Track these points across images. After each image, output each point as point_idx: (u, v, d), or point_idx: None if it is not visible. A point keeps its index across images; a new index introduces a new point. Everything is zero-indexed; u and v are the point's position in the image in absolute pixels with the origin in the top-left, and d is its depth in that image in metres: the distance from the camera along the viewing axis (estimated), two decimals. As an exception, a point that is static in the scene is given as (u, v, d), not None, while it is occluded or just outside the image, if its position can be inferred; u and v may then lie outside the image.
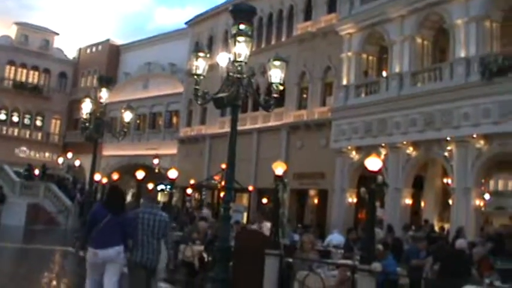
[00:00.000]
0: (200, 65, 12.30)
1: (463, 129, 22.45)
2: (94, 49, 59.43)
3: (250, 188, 34.04)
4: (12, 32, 57.72)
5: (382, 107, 25.85)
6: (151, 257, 9.11)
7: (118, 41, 59.51)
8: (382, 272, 10.04)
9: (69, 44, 70.82)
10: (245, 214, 31.55)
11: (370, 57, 29.32)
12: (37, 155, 55.92)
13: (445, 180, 26.04)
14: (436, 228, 23.78)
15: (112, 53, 57.61)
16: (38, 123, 58.54)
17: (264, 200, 34.13)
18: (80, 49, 61.25)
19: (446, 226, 24.24)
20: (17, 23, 58.29)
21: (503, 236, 19.92)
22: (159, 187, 41.68)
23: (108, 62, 56.46)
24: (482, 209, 23.97)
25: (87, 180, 32.10)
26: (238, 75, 11.99)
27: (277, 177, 13.01)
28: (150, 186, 29.97)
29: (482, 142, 22.16)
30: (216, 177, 33.22)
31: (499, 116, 21.10)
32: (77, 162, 48.91)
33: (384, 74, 27.93)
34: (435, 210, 26.61)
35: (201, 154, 41.27)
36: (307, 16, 34.50)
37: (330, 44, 31.20)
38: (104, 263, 8.86)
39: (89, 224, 9.18)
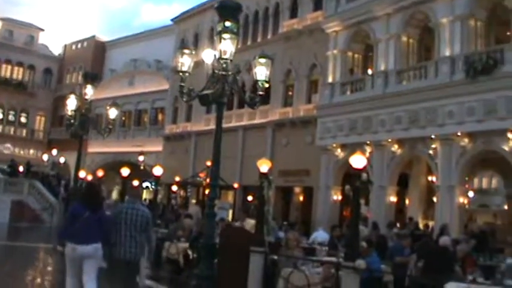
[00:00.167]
0: (185, 62, 12.30)
1: (447, 127, 22.58)
2: (79, 45, 59.16)
3: (236, 185, 34.05)
4: (-4, 27, 57.29)
5: (368, 104, 25.92)
6: (134, 250, 9.14)
7: (104, 37, 59.31)
8: (366, 269, 10.08)
9: (55, 40, 70.49)
10: (230, 211, 31.52)
11: (356, 55, 29.39)
12: (21, 152, 55.49)
13: (429, 178, 26.19)
14: (421, 226, 23.93)
15: (97, 50, 57.37)
16: (23, 119, 58.12)
17: (249, 198, 34.13)
18: (65, 45, 60.92)
19: (431, 223, 24.41)
20: (1, 19, 57.77)
21: (486, 234, 20.11)
22: (144, 184, 41.81)
23: (94, 59, 56.21)
24: (466, 206, 24.14)
25: (72, 177, 32.05)
26: (224, 73, 12.00)
27: (262, 174, 13.02)
28: (135, 183, 29.97)
29: (466, 140, 22.29)
30: (201, 175, 33.17)
31: (483, 114, 21.23)
32: (62, 159, 48.69)
33: (370, 72, 27.99)
34: (420, 208, 26.74)
35: (186, 151, 41.20)
36: (293, 13, 34.49)
37: (315, 41, 31.23)
38: (82, 258, 8.96)
39: (68, 221, 9.37)
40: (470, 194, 25.46)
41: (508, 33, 22.72)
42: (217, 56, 12.16)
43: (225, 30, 11.85)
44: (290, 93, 33.88)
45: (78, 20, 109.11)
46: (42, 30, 60.42)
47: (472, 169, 24.18)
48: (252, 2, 36.90)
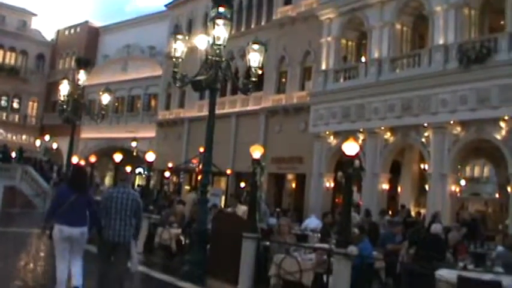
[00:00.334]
0: (179, 48, 12.28)
1: (440, 115, 22.62)
2: (72, 31, 58.83)
3: (228, 171, 34.07)
4: (-12, 12, 56.95)
5: (361, 92, 25.92)
6: (123, 233, 9.20)
7: (97, 23, 59.00)
8: (358, 256, 10.13)
9: (47, 26, 70.20)
10: (223, 198, 31.57)
11: (350, 43, 29.38)
12: (14, 138, 55.33)
13: (422, 166, 26.25)
14: (413, 213, 24.00)
15: (91, 35, 57.09)
16: (15, 105, 57.94)
17: (242, 184, 34.19)
18: (58, 31, 60.59)
19: (423, 211, 24.48)
20: (-7, 3, 57.50)
21: (477, 221, 20.25)
22: (137, 170, 41.80)
23: (87, 44, 55.93)
24: (458, 194, 24.23)
25: (64, 163, 32.01)
26: (217, 58, 12.00)
27: (255, 160, 13.03)
28: (128, 169, 29.94)
29: (459, 128, 22.35)
30: (194, 161, 33.21)
31: (476, 103, 21.29)
32: (55, 145, 48.62)
33: (363, 59, 27.99)
34: (412, 196, 26.82)
35: (179, 137, 41.16)
36: (287, 0, 34.36)
37: (309, 28, 31.14)
38: (70, 240, 9.07)
39: (55, 203, 9.44)
40: (462, 182, 25.54)
41: (502, 22, 22.69)
42: (210, 42, 12.15)
43: (219, 16, 11.84)
44: (283, 80, 33.83)
45: (71, 5, 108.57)
46: (35, 15, 60.15)
47: (464, 157, 24.26)
48: (246, -12, 36.80)
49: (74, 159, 25.82)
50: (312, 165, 28.88)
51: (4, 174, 35.38)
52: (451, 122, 22.37)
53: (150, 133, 44.62)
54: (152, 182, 36.02)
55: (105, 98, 19.98)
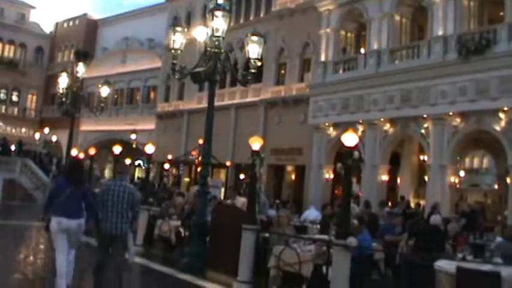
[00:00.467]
0: (178, 40, 12.27)
1: (439, 106, 22.62)
2: (71, 23, 58.63)
3: (228, 163, 34.07)
4: (-13, 5, 56.80)
5: (360, 83, 25.91)
6: (120, 226, 9.22)
7: (96, 15, 58.84)
8: (357, 247, 10.13)
9: (46, 18, 70.02)
10: (223, 189, 31.59)
11: (349, 34, 29.36)
12: (13, 131, 55.21)
13: (421, 157, 26.28)
14: (412, 205, 24.04)
15: (89, 28, 56.91)
16: (14, 98, 57.81)
17: (242, 176, 34.21)
18: (57, 23, 60.41)
19: (422, 202, 24.53)
20: (-8, -4, 57.34)
21: (476, 212, 20.29)
22: (137, 162, 41.80)
23: (86, 37, 55.78)
24: (457, 186, 24.32)
25: (64, 156, 31.98)
26: (216, 50, 11.99)
27: (254, 152, 13.02)
28: (128, 161, 29.94)
29: (458, 120, 22.36)
30: (194, 153, 33.22)
31: (475, 94, 21.29)
32: (54, 138, 48.56)
33: (362, 51, 27.97)
34: (411, 187, 26.86)
35: (178, 129, 41.13)
36: (287, -8, 34.29)
37: (308, 20, 31.08)
38: (68, 231, 9.14)
39: (52, 196, 9.52)
40: (462, 173, 25.64)
41: (501, 13, 22.67)
42: (209, 34, 12.13)
43: (217, 7, 11.82)
44: (282, 71, 33.80)
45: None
46: (34, 7, 59.97)
47: (463, 149, 24.29)
48: (245, -21, 36.72)
49: (74, 152, 25.82)
50: (312, 156, 28.90)
51: (4, 167, 35.33)
52: (451, 113, 22.37)
53: (150, 125, 44.58)
54: (152, 174, 36.04)
55: (104, 91, 19.96)
